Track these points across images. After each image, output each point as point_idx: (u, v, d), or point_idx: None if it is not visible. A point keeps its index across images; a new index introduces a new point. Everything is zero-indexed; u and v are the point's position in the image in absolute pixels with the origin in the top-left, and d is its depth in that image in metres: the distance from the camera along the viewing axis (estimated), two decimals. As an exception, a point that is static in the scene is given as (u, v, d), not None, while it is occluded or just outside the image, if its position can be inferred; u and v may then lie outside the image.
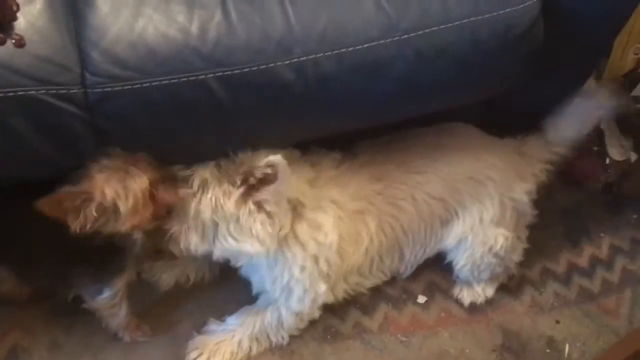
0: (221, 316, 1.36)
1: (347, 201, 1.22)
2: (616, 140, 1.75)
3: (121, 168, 1.01)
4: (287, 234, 1.16)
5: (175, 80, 0.96)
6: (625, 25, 1.37)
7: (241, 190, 1.08)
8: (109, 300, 1.20)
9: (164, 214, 1.10)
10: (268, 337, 1.32)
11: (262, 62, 0.98)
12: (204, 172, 1.10)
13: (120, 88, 0.94)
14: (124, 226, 1.03)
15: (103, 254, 1.10)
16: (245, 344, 1.31)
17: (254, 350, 1.32)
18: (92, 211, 0.99)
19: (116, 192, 1.00)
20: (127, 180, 1.01)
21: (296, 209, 1.16)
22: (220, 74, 0.97)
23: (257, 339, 1.32)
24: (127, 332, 1.31)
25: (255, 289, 1.34)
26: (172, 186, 1.08)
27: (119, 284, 1.18)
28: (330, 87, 1.04)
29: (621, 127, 1.77)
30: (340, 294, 1.35)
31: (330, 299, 1.32)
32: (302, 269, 1.20)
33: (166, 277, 1.40)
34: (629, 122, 1.74)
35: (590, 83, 1.71)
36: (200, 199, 1.09)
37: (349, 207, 1.23)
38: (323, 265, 1.21)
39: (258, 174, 1.06)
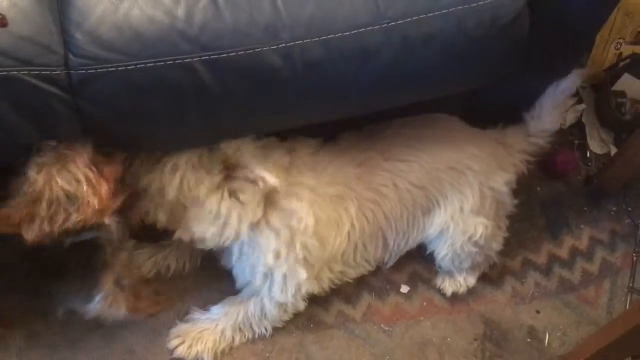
0: (203, 305, 1.36)
1: (323, 186, 1.23)
2: (597, 133, 1.78)
3: (57, 158, 0.97)
4: (260, 221, 1.17)
5: (161, 64, 0.94)
6: (607, 20, 1.38)
7: (217, 178, 1.10)
8: (103, 304, 1.17)
9: (120, 192, 1.05)
10: (251, 327, 1.31)
11: (249, 47, 0.98)
12: (179, 157, 1.10)
13: (104, 70, 0.93)
14: (86, 212, 0.98)
15: (78, 259, 1.07)
16: (228, 334, 1.30)
17: (237, 340, 1.32)
18: (45, 210, 0.95)
19: (63, 180, 0.97)
20: (69, 166, 0.97)
21: (269, 196, 1.17)
22: (207, 57, 0.96)
23: (240, 329, 1.31)
24: (139, 314, 1.30)
25: (238, 281, 1.33)
26: (113, 161, 1.04)
27: (107, 284, 1.15)
28: (317, 73, 1.03)
29: (602, 121, 1.79)
30: (326, 284, 1.35)
31: (315, 288, 1.31)
32: (277, 255, 1.20)
33: (147, 266, 1.39)
34: (609, 116, 1.76)
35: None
36: (168, 179, 1.10)
37: (326, 192, 1.23)
38: (300, 251, 1.21)
39: (248, 175, 1.09)
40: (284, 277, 1.24)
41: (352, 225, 1.27)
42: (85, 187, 0.97)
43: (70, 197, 0.97)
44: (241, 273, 1.31)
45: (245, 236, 1.17)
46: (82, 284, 1.13)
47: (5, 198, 0.97)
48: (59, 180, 0.96)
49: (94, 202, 0.99)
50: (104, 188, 1.00)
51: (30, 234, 0.95)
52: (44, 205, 0.95)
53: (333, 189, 1.24)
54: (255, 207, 1.14)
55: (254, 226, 1.17)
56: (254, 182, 1.11)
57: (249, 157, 1.12)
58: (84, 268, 1.10)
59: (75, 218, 0.98)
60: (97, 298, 1.15)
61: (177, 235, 1.17)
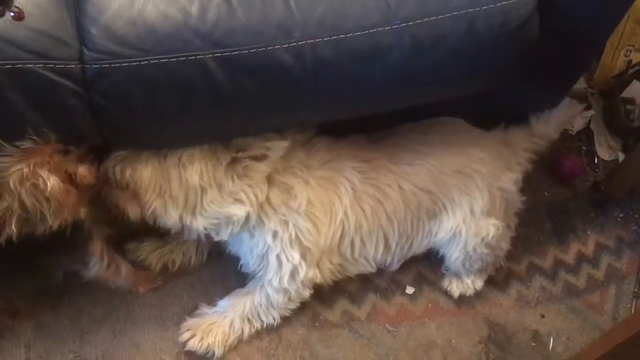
0: (209, 300, 1.37)
1: (315, 166, 1.25)
2: (605, 140, 1.78)
3: (26, 167, 0.98)
4: (263, 201, 1.20)
5: (174, 59, 0.96)
6: (617, 26, 1.39)
7: (229, 161, 1.15)
8: (99, 267, 1.20)
9: (92, 193, 1.10)
10: (259, 316, 1.33)
11: (261, 45, 0.99)
12: (190, 149, 1.13)
13: (117, 65, 0.94)
14: (54, 224, 1.02)
15: (61, 236, 1.08)
16: (237, 325, 1.32)
17: (246, 332, 1.33)
18: (14, 226, 0.98)
19: (33, 196, 0.98)
20: (38, 178, 0.98)
21: (269, 176, 1.19)
22: (219, 54, 0.97)
23: (248, 319, 1.33)
24: (139, 285, 1.32)
25: (243, 267, 1.34)
26: (88, 163, 1.07)
27: (97, 249, 1.18)
28: (327, 72, 1.04)
29: (610, 128, 1.79)
30: (327, 274, 1.35)
31: (316, 276, 1.32)
32: (274, 235, 1.23)
33: (153, 260, 1.40)
34: (618, 123, 1.76)
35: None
36: (187, 169, 1.13)
37: (317, 173, 1.25)
38: (292, 230, 1.23)
39: (255, 151, 1.13)
40: (278, 259, 1.25)
41: (346, 214, 1.27)
42: (53, 205, 1.00)
43: (38, 212, 1.00)
44: (244, 255, 1.32)
45: (253, 217, 1.20)
46: (75, 252, 1.17)
47: None
48: (29, 196, 0.98)
49: (63, 215, 1.02)
50: (73, 199, 1.03)
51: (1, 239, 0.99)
52: (13, 219, 0.98)
53: (323, 172, 1.26)
54: (262, 185, 1.18)
55: (260, 208, 1.20)
56: (261, 157, 1.15)
57: (248, 142, 1.16)
58: (70, 242, 1.12)
59: (41, 228, 1.02)
60: (93, 262, 1.18)
61: (196, 228, 1.19)
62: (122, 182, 1.13)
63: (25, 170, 0.97)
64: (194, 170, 1.13)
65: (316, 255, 1.29)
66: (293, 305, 1.34)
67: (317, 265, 1.31)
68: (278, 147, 1.15)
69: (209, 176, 1.14)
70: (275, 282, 1.28)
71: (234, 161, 1.15)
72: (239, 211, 1.17)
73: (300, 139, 1.26)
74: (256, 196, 1.18)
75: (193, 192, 1.15)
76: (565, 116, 1.48)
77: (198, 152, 1.13)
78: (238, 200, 1.17)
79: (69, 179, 1.02)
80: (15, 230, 0.99)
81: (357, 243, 1.32)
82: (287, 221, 1.23)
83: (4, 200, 0.98)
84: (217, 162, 1.14)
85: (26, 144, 0.98)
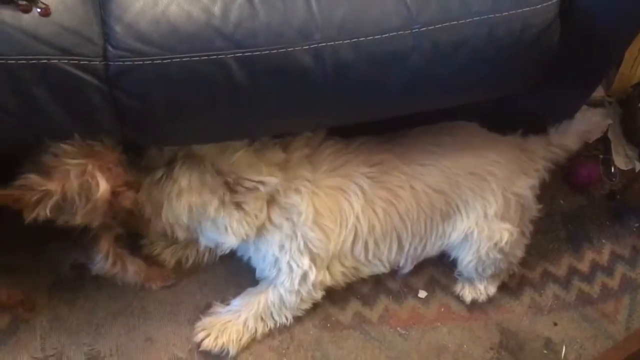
0: (222, 298, 1.38)
1: (321, 177, 1.27)
2: (622, 149, 1.77)
3: (91, 164, 1.03)
4: (264, 221, 1.24)
5: (196, 59, 0.97)
6: (637, 36, 1.38)
7: (221, 195, 1.18)
8: (104, 263, 1.22)
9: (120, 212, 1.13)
10: (272, 316, 1.34)
11: (282, 46, 1.00)
12: (181, 180, 1.17)
13: (140, 63, 0.95)
14: (77, 221, 1.06)
15: (70, 230, 1.11)
16: (251, 324, 1.33)
17: (259, 331, 1.34)
18: (48, 209, 1.01)
19: (80, 192, 1.02)
20: (94, 179, 1.03)
21: (271, 197, 1.23)
22: (240, 54, 0.98)
23: (261, 318, 1.34)
24: (152, 281, 1.34)
25: (257, 271, 1.37)
26: (133, 190, 1.12)
27: (104, 247, 1.20)
28: (346, 75, 1.05)
29: (628, 137, 1.78)
30: (340, 278, 1.36)
31: (327, 279, 1.34)
32: (281, 248, 1.27)
33: (167, 256, 1.41)
34: (635, 132, 1.75)
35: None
36: (175, 205, 1.18)
37: (325, 183, 1.27)
38: (301, 240, 1.26)
39: (247, 184, 1.18)
40: (289, 265, 1.28)
41: (358, 219, 1.28)
42: (88, 207, 1.04)
43: (72, 206, 1.03)
44: (256, 264, 1.36)
45: (252, 237, 1.24)
46: (82, 246, 1.20)
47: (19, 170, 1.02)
48: (74, 188, 1.01)
49: (88, 219, 1.07)
50: (103, 210, 1.07)
51: (28, 216, 1.01)
52: (49, 203, 1.01)
53: (331, 180, 1.28)
54: (259, 212, 1.21)
55: (260, 227, 1.24)
56: (254, 189, 1.18)
57: (244, 167, 1.19)
58: (78, 237, 1.15)
59: (64, 220, 1.05)
60: (98, 258, 1.22)
61: (201, 245, 1.30)
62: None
63: (89, 167, 1.02)
64: (181, 207, 1.18)
65: (326, 259, 1.31)
66: (305, 306, 1.35)
67: (329, 268, 1.33)
68: (270, 183, 1.19)
69: (198, 212, 1.19)
70: (287, 284, 1.30)
71: (229, 192, 1.19)
72: (231, 241, 1.23)
73: (307, 151, 1.28)
74: (249, 225, 1.21)
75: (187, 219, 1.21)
76: (586, 128, 1.47)
77: (187, 187, 1.17)
78: (232, 231, 1.21)
79: (114, 192, 1.07)
80: (47, 214, 1.02)
81: (371, 245, 1.33)
82: (293, 234, 1.26)
83: (52, 181, 1.01)
84: (208, 197, 1.18)
85: (96, 145, 1.03)
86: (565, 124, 1.43)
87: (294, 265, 1.28)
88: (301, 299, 1.32)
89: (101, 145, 1.04)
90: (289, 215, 1.25)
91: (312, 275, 1.29)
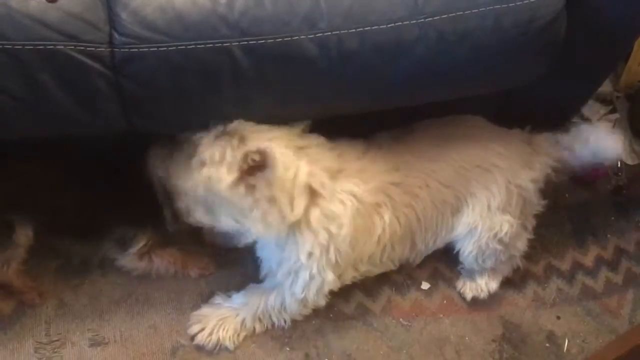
0: (226, 289, 1.38)
1: (366, 195, 1.22)
2: (629, 144, 1.76)
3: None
4: (300, 219, 1.15)
5: (201, 46, 0.97)
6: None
7: (234, 175, 1.08)
8: (132, 258, 1.28)
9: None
10: (270, 318, 1.33)
11: (287, 34, 1.00)
12: (210, 148, 1.10)
13: (146, 49, 0.96)
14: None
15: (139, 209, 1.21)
16: (249, 324, 1.32)
17: (257, 330, 1.34)
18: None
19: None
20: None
21: (313, 196, 1.15)
22: (245, 42, 0.98)
23: (260, 319, 1.33)
24: (190, 270, 1.37)
25: (264, 268, 1.34)
26: None
27: (141, 242, 1.26)
28: (351, 64, 1.05)
29: (634, 132, 1.78)
30: (349, 281, 1.35)
31: (337, 285, 1.31)
32: (309, 255, 1.20)
33: None
34: (642, 127, 1.75)
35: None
36: (197, 175, 1.11)
37: (368, 200, 1.22)
38: (332, 255, 1.21)
39: (250, 160, 1.07)
40: (311, 276, 1.23)
41: (384, 230, 1.27)
42: None
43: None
44: (267, 262, 1.32)
45: (283, 233, 1.16)
46: (122, 236, 1.26)
47: None
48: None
49: None
50: None
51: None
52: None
53: (374, 197, 1.24)
54: (285, 204, 1.11)
55: (294, 225, 1.16)
56: (259, 165, 1.06)
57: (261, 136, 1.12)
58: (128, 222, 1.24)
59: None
60: (130, 251, 1.26)
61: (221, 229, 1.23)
62: None
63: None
64: (200, 178, 1.10)
65: (343, 268, 1.28)
66: (306, 312, 1.33)
67: (341, 275, 1.30)
68: (326, 171, 1.16)
69: (214, 189, 1.10)
70: (297, 292, 1.25)
71: (245, 173, 1.08)
72: (259, 231, 1.14)
73: (359, 165, 1.24)
74: (282, 219, 1.12)
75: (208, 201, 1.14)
76: (597, 150, 1.35)
77: (207, 158, 1.09)
78: (259, 220, 1.11)
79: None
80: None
81: (388, 248, 1.32)
82: (328, 246, 1.19)
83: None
84: (223, 173, 1.08)
85: None
86: (581, 131, 1.38)
87: (317, 276, 1.23)
88: (304, 306, 1.30)
89: None
90: (328, 224, 1.17)
91: (327, 287, 1.27)
